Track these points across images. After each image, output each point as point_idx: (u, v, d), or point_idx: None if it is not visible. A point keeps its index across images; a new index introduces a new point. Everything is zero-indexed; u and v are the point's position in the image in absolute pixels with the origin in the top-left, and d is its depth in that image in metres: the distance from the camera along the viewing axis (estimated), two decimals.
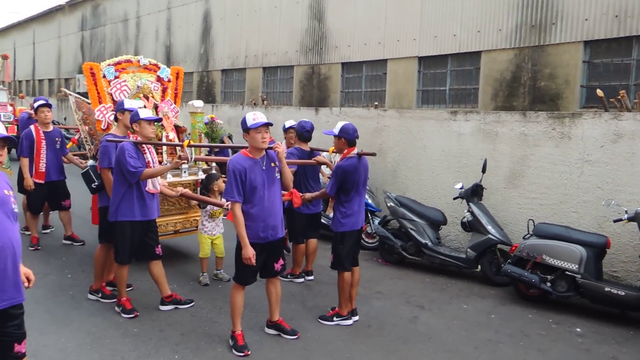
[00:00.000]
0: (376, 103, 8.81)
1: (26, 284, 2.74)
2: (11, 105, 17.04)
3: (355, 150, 4.65)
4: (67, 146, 7.01)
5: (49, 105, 6.72)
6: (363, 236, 7.02)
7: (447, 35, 7.82)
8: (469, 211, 6.25)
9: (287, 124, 6.26)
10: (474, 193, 6.28)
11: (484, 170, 6.28)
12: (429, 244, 6.36)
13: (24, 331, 2.69)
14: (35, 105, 6.69)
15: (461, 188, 6.42)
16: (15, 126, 13.92)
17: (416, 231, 6.46)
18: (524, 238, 5.67)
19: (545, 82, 6.78)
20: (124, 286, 4.69)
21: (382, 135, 8.19)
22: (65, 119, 19.97)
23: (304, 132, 5.69)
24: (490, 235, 5.97)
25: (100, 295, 4.97)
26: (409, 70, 8.42)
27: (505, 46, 7.15)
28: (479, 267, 6.18)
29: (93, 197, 5.56)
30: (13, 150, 7.57)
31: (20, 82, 28.32)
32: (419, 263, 6.64)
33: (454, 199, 6.56)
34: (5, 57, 18.36)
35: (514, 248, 5.58)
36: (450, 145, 7.30)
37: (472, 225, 6.20)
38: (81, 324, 4.40)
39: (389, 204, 6.78)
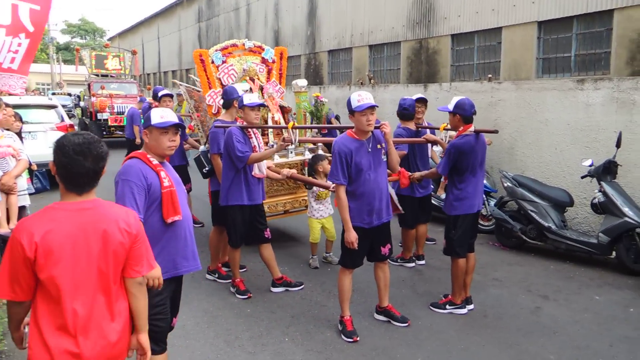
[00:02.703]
0: (490, 75, 8.21)
1: None
2: (140, 96, 18.56)
3: (472, 128, 4.32)
4: (187, 131, 7.44)
5: (170, 95, 7.26)
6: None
7: None
8: (600, 191, 5.59)
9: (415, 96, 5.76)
10: (606, 170, 5.60)
11: (618, 145, 5.55)
12: (553, 227, 5.82)
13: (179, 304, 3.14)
14: (159, 94, 7.21)
15: (590, 165, 5.75)
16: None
17: (537, 213, 5.93)
18: None
19: None
20: (237, 268, 4.86)
21: (497, 109, 7.62)
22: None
23: (402, 110, 5.42)
24: (627, 218, 5.30)
25: (216, 275, 5.21)
26: (527, 37, 7.70)
27: None
28: (614, 253, 5.53)
29: (209, 182, 5.82)
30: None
31: (148, 75, 30.78)
32: (541, 248, 6.12)
33: (582, 177, 5.91)
34: (134, 53, 20.02)
35: None
36: (577, 118, 6.58)
37: (604, 207, 5.55)
38: (199, 303, 4.64)
39: (505, 184, 6.30)
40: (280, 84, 6.64)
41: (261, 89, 6.29)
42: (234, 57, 6.31)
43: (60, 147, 2.03)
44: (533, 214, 5.95)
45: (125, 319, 2.17)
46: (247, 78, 6.24)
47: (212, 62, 6.14)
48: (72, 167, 2.02)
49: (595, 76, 6.70)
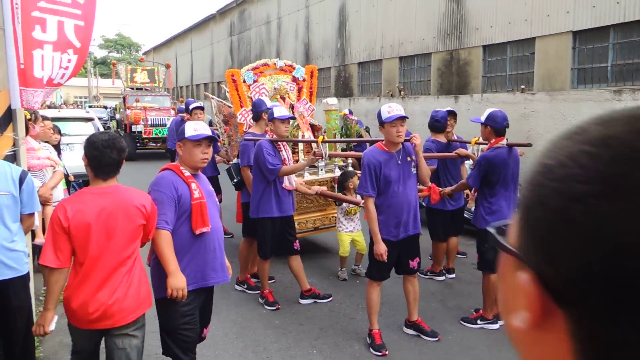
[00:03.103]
0: (522, 87, 8.09)
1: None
2: (173, 109, 18.98)
3: (504, 141, 4.26)
4: (219, 144, 7.56)
5: (201, 108, 7.39)
6: None
7: (608, 4, 6.85)
8: None
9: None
10: None
11: None
12: None
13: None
14: (191, 107, 7.36)
15: None
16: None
17: None
18: None
19: None
20: (267, 279, 4.88)
21: (530, 121, 7.50)
22: (210, 121, 21.75)
23: (434, 122, 5.37)
24: None
25: (245, 286, 5.24)
26: (562, 48, 7.57)
27: None
28: None
29: (237, 195, 5.89)
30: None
31: (181, 87, 31.49)
32: None
33: None
34: (167, 67, 20.52)
35: None
36: None
37: None
38: (229, 314, 4.67)
39: None
40: (310, 102, 6.69)
41: (292, 107, 6.35)
42: (265, 76, 6.41)
43: (91, 143, 2.58)
44: None
45: (137, 282, 2.67)
46: (278, 97, 6.32)
47: (244, 81, 6.24)
48: (102, 159, 2.54)
49: (634, 87, 6.52)
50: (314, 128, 6.31)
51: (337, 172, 6.12)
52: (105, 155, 2.54)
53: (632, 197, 0.38)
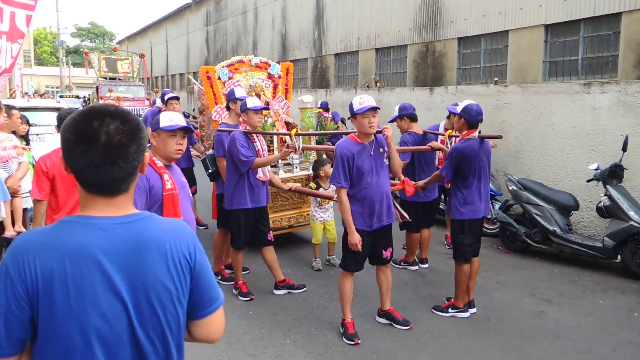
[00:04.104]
0: (496, 79, 8.19)
1: None
2: (147, 99, 18.69)
3: (476, 133, 4.31)
4: (195, 135, 7.46)
5: (177, 98, 7.28)
6: None
7: None
8: (606, 195, 5.55)
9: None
10: (612, 174, 5.56)
11: (624, 149, 5.52)
12: (558, 230, 5.78)
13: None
14: (166, 97, 7.26)
15: (596, 169, 5.72)
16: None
17: (542, 217, 5.90)
18: None
19: None
20: (240, 270, 4.88)
21: (503, 113, 7.60)
22: (193, 110, 21.48)
23: (412, 113, 5.40)
24: (632, 222, 5.26)
25: (219, 277, 5.22)
26: (534, 41, 7.68)
27: None
28: (619, 257, 5.48)
29: (213, 187, 5.84)
30: None
31: (156, 78, 30.99)
32: (546, 252, 6.08)
33: (588, 181, 5.87)
34: (142, 56, 20.17)
35: None
36: (583, 121, 6.54)
37: (610, 211, 5.51)
38: None
39: (510, 187, 6.27)
40: (286, 99, 6.67)
41: (267, 104, 6.32)
42: (240, 73, 6.36)
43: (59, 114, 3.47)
44: (538, 218, 5.92)
45: None
46: (253, 94, 6.28)
47: (219, 78, 6.18)
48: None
49: (603, 79, 6.66)
50: (289, 126, 6.29)
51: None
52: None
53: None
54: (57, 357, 1.23)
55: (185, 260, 1.35)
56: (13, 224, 4.48)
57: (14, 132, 5.19)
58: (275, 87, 6.61)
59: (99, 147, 1.25)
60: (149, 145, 1.85)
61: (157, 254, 1.30)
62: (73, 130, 1.28)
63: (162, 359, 1.33)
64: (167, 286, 1.31)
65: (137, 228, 1.31)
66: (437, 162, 5.67)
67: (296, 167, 6.09)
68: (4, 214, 4.28)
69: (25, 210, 4.80)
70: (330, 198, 5.12)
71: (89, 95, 22.66)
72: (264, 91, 6.38)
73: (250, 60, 6.43)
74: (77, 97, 23.97)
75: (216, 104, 6.12)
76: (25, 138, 5.75)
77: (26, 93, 17.19)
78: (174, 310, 1.33)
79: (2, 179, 4.34)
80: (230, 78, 6.22)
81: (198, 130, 8.44)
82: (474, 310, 4.50)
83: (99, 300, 1.23)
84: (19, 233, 4.39)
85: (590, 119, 6.48)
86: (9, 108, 5.30)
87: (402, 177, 4.47)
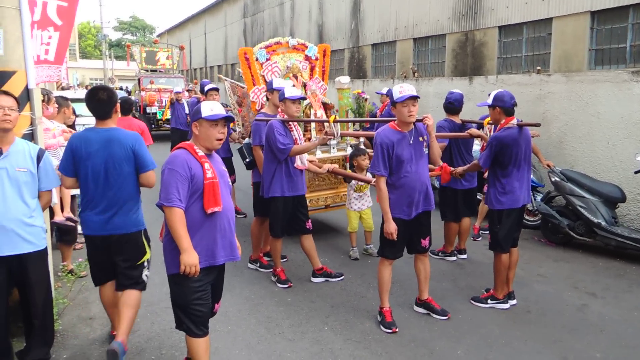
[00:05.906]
0: (538, 68, 7.98)
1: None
2: (187, 91, 19.02)
3: (514, 120, 4.24)
4: (231, 125, 7.60)
5: (216, 89, 7.43)
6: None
7: None
8: None
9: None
10: None
11: None
12: (603, 223, 5.62)
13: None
14: (206, 88, 7.41)
15: None
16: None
17: (586, 209, 5.74)
18: None
19: None
20: (279, 257, 4.95)
21: (546, 103, 7.40)
22: (226, 105, 21.74)
23: (447, 104, 5.34)
24: None
25: (258, 264, 5.31)
26: (580, 28, 7.43)
27: None
28: None
29: (251, 174, 5.93)
30: None
31: (195, 70, 31.50)
32: (590, 245, 5.92)
33: (636, 172, 5.67)
34: (181, 49, 20.53)
35: None
36: (631, 111, 6.31)
37: None
38: (241, 291, 4.75)
39: (553, 179, 6.12)
40: (323, 80, 6.68)
41: (304, 85, 6.35)
42: (277, 55, 6.39)
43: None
44: (582, 210, 5.76)
45: None
46: (291, 75, 6.31)
47: (257, 59, 6.23)
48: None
49: None
50: (326, 106, 6.31)
51: (349, 151, 6.13)
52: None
53: None
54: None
55: (130, 147, 3.30)
56: (62, 210, 4.67)
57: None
58: (312, 69, 6.62)
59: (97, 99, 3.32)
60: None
61: (118, 143, 3.29)
62: (89, 94, 3.37)
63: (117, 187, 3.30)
64: (121, 156, 3.29)
65: (111, 133, 3.33)
66: (473, 149, 5.60)
67: (333, 148, 6.11)
68: (56, 200, 4.47)
69: (73, 197, 4.99)
70: (368, 182, 5.12)
71: (132, 87, 23.25)
72: (301, 73, 6.40)
73: (287, 42, 6.46)
74: (121, 88, 24.64)
75: (254, 84, 6.19)
76: (72, 127, 5.98)
77: (65, 86, 17.89)
78: (125, 166, 3.30)
79: (54, 166, 4.53)
80: (267, 59, 6.27)
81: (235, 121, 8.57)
82: (514, 302, 4.44)
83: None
84: (67, 219, 4.57)
85: (638, 108, 6.24)
86: (64, 99, 5.52)
87: (441, 163, 4.43)
